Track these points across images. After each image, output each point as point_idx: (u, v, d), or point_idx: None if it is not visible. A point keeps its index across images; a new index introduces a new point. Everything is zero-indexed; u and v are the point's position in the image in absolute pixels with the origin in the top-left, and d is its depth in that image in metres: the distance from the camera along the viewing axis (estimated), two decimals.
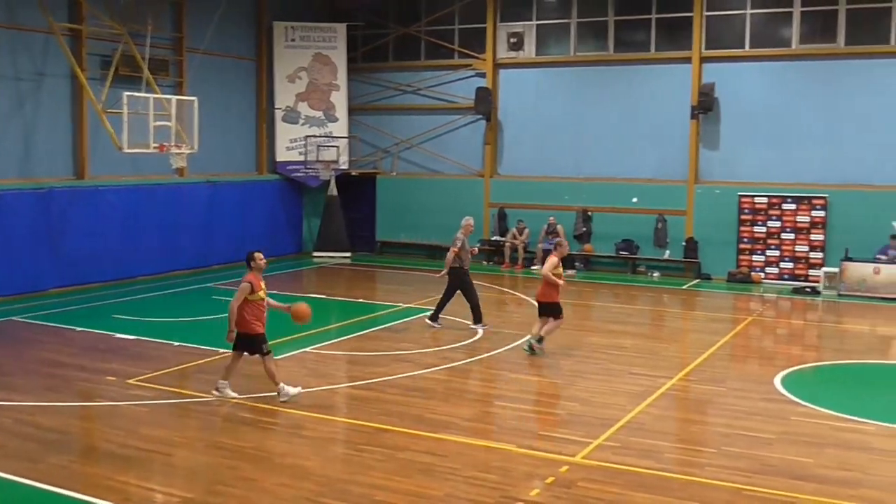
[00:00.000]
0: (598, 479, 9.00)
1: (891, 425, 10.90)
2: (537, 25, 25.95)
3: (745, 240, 23.42)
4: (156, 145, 19.41)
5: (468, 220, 16.82)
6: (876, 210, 21.75)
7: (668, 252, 24.28)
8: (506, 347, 14.97)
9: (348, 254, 26.89)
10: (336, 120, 27.74)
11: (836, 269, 21.47)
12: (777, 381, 12.99)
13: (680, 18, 24.08)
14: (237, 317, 11.33)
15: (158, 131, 19.49)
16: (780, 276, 23.02)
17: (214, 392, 11.69)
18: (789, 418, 11.18)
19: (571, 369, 13.64)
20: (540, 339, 14.48)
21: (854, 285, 21.06)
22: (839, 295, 21.06)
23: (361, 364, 13.81)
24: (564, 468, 9.24)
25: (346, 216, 27.36)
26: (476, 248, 17.24)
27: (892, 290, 20.65)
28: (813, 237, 22.66)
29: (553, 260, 14.49)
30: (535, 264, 24.60)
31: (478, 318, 16.39)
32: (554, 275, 14.33)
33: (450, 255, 16.25)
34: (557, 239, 16.18)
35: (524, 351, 14.55)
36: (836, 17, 22.46)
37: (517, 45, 26.07)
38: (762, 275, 23.19)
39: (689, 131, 23.93)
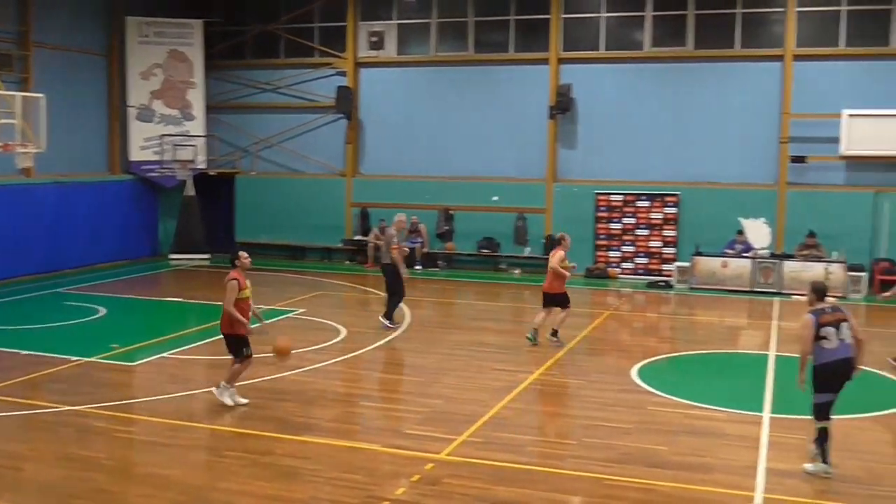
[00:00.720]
0: (463, 474, 9.06)
1: (740, 412, 11.39)
2: (398, 25, 25.99)
3: (602, 236, 24.09)
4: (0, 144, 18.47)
5: (400, 217, 16.95)
6: (724, 206, 22.75)
7: (528, 249, 24.71)
8: (369, 347, 14.92)
9: (207, 256, 26.24)
10: (193, 118, 27.05)
11: (687, 264, 22.32)
12: (634, 372, 13.39)
13: (538, 20, 24.55)
14: (225, 318, 11.13)
15: (2, 129, 18.53)
16: (635, 271, 23.78)
17: (227, 402, 11.32)
18: (646, 408, 11.55)
19: (435, 367, 13.70)
20: (555, 333, 15.19)
21: (704, 279, 21.95)
22: (691, 288, 21.92)
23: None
24: (430, 465, 9.26)
25: (204, 217, 26.70)
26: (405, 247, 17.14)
27: (739, 282, 21.63)
28: (666, 233, 23.51)
29: (560, 254, 15.19)
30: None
31: (388, 316, 16.44)
32: (562, 268, 15.08)
33: (395, 254, 16.34)
34: (559, 235, 16.08)
35: (528, 339, 15.14)
36: (685, 21, 23.36)
37: (378, 45, 26.04)
38: (618, 270, 23.90)
39: (547, 131, 24.43)
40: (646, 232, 23.71)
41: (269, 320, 16.96)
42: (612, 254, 24.07)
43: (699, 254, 22.21)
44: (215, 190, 27.38)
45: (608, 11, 24.07)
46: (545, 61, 24.38)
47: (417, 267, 24.57)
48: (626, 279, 23.62)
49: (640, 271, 23.75)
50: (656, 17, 23.66)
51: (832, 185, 22.44)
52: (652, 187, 23.63)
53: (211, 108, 27.56)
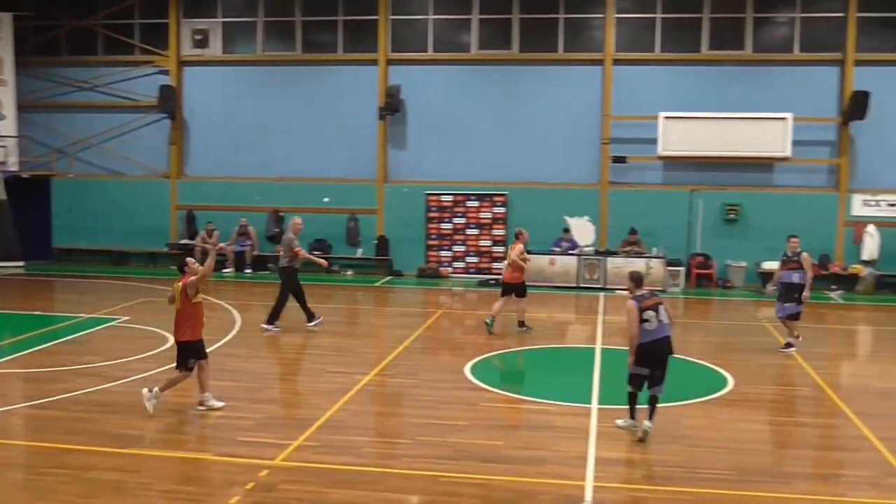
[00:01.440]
0: (299, 479, 8.92)
1: (570, 404, 11.72)
2: (223, 23, 25.39)
3: (433, 236, 24.32)
4: None
5: (296, 220, 16.74)
6: (550, 205, 23.41)
7: (360, 250, 24.66)
8: None
9: (21, 263, 24.79)
10: (3, 118, 25.53)
11: None
12: (467, 370, 13.56)
13: (366, 21, 24.53)
14: (179, 327, 11.04)
15: None
16: (466, 270, 24.13)
17: (199, 407, 11.18)
18: (479, 404, 11.70)
19: (268, 372, 13.44)
20: (522, 324, 16.52)
21: (533, 276, 22.44)
22: None
23: (41, 381, 12.76)
24: (264, 472, 9.07)
25: (17, 222, 25.23)
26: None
27: (566, 279, 22.30)
28: (495, 232, 23.97)
29: (520, 247, 16.41)
30: (227, 267, 24.06)
31: (272, 315, 16.32)
32: (521, 259, 16.30)
33: (304, 254, 16.35)
34: (518, 230, 17.18)
35: (486, 324, 16.40)
36: (510, 25, 23.89)
37: (203, 43, 25.35)
38: (450, 269, 24.20)
39: (377, 132, 24.45)
40: (476, 231, 24.10)
41: (88, 331, 16.22)
42: (443, 253, 24.35)
43: (528, 252, 22.70)
44: (29, 193, 25.92)
45: (436, 13, 24.33)
46: (374, 62, 24.40)
47: (248, 270, 24.10)
48: (457, 278, 23.93)
49: (472, 270, 24.13)
50: (483, 21, 24.09)
51: (651, 185, 23.50)
52: (481, 188, 24.05)
53: (23, 108, 26.10)
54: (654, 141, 22.78)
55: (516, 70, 23.99)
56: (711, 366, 13.99)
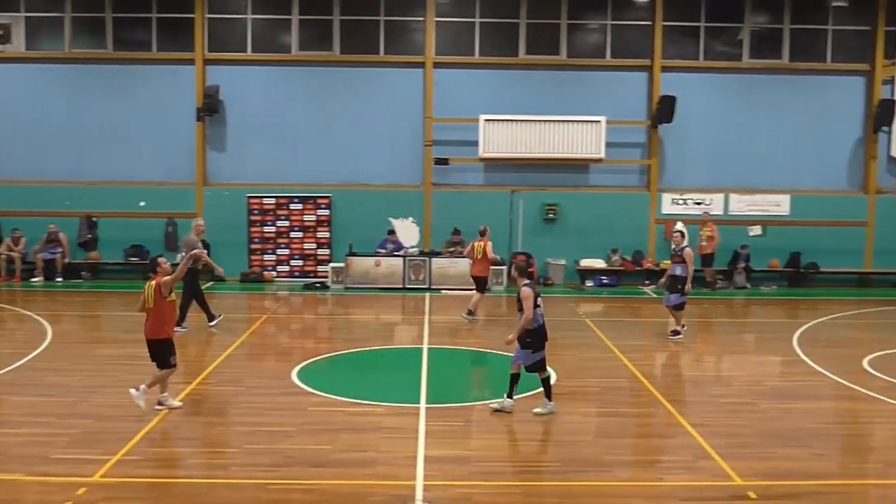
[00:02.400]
0: (120, 496, 8.52)
1: (399, 405, 11.74)
2: (26, 18, 23.99)
3: (256, 240, 23.88)
4: None
5: (199, 222, 17.24)
6: (375, 207, 23.42)
7: (180, 255, 23.83)
8: (5, 370, 13.61)
9: None
10: None
11: (342, 264, 22.72)
12: (294, 374, 13.36)
13: (181, 19, 23.77)
14: (154, 326, 11.29)
15: None
16: (291, 274, 23.82)
17: (157, 407, 11.26)
18: (307, 409, 11.55)
19: (84, 385, 12.79)
20: (471, 312, 17.64)
21: (359, 278, 22.45)
22: (346, 288, 22.33)
23: None
24: (82, 490, 8.61)
25: None
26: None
27: (392, 280, 22.38)
28: (320, 235, 23.77)
29: (490, 244, 18.36)
30: (35, 276, 22.79)
31: (211, 317, 16.99)
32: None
33: (205, 257, 16.15)
34: (482, 227, 18.71)
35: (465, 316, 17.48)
36: (331, 26, 23.74)
37: (4, 39, 23.86)
38: (274, 273, 23.81)
39: (195, 133, 23.76)
40: (300, 234, 23.82)
41: None
42: (267, 257, 23.93)
43: (353, 254, 22.69)
44: None
45: (254, 13, 23.88)
46: (191, 61, 23.69)
47: (58, 279, 22.91)
48: (282, 282, 23.58)
49: (297, 273, 23.84)
50: (303, 21, 23.83)
51: (473, 186, 23.92)
52: (304, 190, 23.78)
53: None
54: (475, 143, 23.21)
55: (338, 71, 23.86)
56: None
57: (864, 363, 14.69)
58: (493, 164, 23.73)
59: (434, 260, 22.58)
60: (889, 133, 24.12)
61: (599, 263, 23.45)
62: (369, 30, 23.74)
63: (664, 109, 23.12)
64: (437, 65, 23.66)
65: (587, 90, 23.73)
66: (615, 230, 23.49)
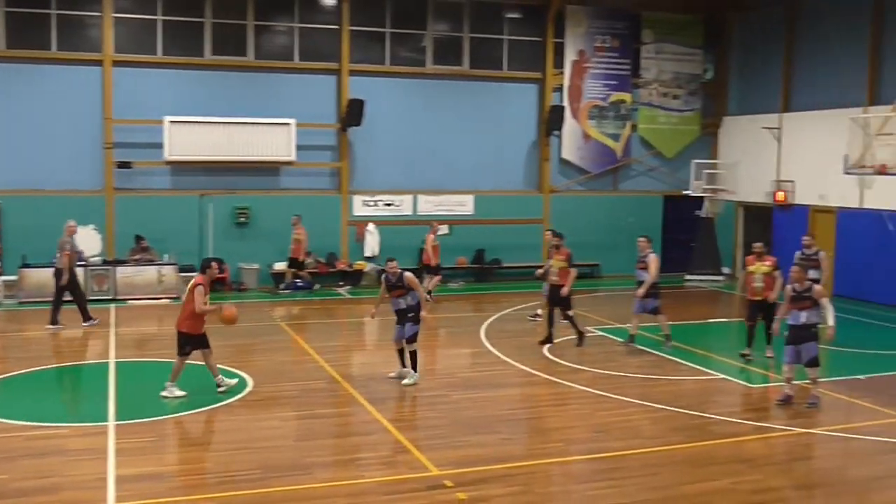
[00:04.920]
0: None
1: (85, 424, 11.01)
2: None
3: None
4: None
5: (70, 223, 17.91)
6: (52, 214, 21.67)
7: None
8: None
9: None
10: None
11: (14, 277, 20.92)
12: None
13: None
14: (182, 317, 12.38)
15: None
16: None
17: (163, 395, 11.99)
18: None
19: None
20: (430, 293, 19.30)
21: (35, 291, 20.74)
22: (20, 303, 20.59)
23: None
24: None
25: None
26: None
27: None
28: None
29: (432, 236, 20.75)
30: None
31: (87, 317, 17.75)
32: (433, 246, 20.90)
33: (65, 260, 17.27)
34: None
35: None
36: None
37: None
38: None
39: None
40: None
41: None
42: None
43: (27, 266, 20.97)
44: None
45: None
46: None
47: None
48: None
49: None
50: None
51: (159, 190, 22.94)
52: None
53: None
54: (160, 145, 22.24)
55: (7, 68, 21.92)
56: (230, 369, 14.01)
57: (545, 350, 15.74)
58: (181, 168, 22.90)
59: (119, 269, 21.38)
60: (559, 137, 26.03)
61: (299, 267, 23.30)
62: (40, 23, 22.03)
63: (353, 113, 23.46)
64: (116, 63, 22.41)
65: (277, 92, 23.54)
66: (308, 232, 23.45)
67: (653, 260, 15.99)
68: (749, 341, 15.18)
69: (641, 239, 16.45)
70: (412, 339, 13.24)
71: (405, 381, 13.27)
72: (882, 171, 18.77)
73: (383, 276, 13.64)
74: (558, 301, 16.06)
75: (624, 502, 8.89)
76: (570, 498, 9.26)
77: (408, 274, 13.28)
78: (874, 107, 21.52)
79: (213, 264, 12.94)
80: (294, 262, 22.56)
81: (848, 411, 12.43)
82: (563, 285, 15.87)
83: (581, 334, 16.16)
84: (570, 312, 16.12)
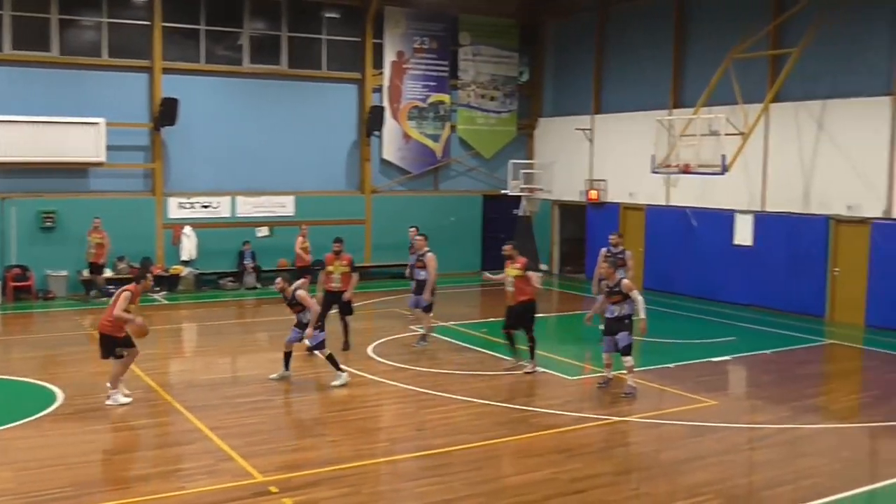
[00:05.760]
0: None
1: None
2: None
3: None
4: None
5: None
6: None
7: None
8: None
9: None
10: None
11: None
12: None
13: None
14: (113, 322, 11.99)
15: None
16: None
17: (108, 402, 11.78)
18: None
19: None
20: None
21: None
22: None
23: None
24: None
25: None
26: None
27: None
28: None
29: (301, 238, 20.79)
30: None
31: None
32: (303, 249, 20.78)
33: None
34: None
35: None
36: None
37: None
38: None
39: None
40: None
41: None
42: None
43: None
44: None
45: None
46: None
47: None
48: None
49: None
50: None
51: None
52: None
53: None
54: None
55: None
56: (38, 382, 13.26)
57: (369, 350, 15.73)
58: None
59: None
60: (380, 137, 26.08)
61: (106, 272, 22.25)
62: None
63: (167, 112, 22.66)
64: None
65: (84, 90, 22.39)
66: (122, 237, 22.40)
67: (430, 259, 16.08)
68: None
69: (419, 238, 16.32)
70: (320, 346, 13.35)
71: (334, 383, 13.24)
72: (686, 170, 19.76)
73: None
74: (342, 307, 15.83)
75: (450, 498, 8.97)
76: (399, 496, 9.28)
77: (300, 293, 13.35)
78: (678, 109, 22.73)
79: (149, 275, 12.92)
80: (95, 268, 21.40)
81: (659, 399, 13.04)
82: (345, 290, 15.73)
83: (347, 344, 15.83)
84: (349, 317, 15.94)
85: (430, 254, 16.09)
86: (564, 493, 9.09)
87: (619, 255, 16.63)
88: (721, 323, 19.37)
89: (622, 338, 13.00)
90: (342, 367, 13.54)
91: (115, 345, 12.10)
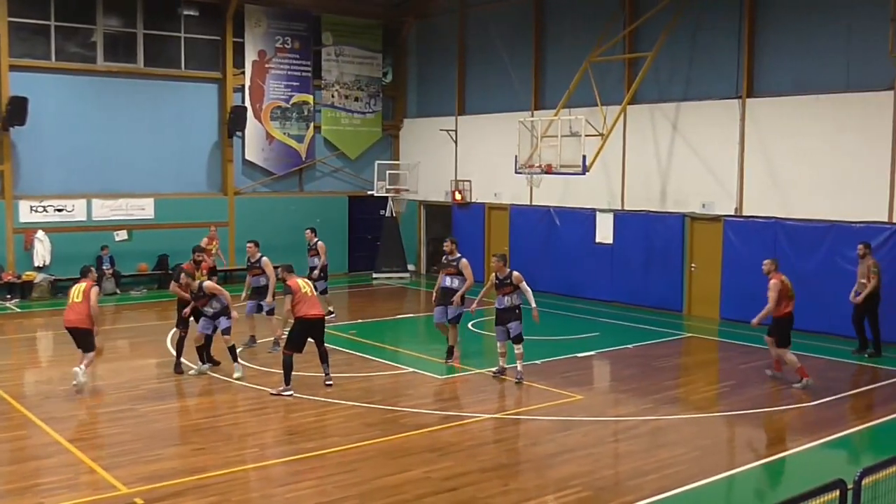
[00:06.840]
0: None
1: None
2: None
3: None
4: None
5: None
6: None
7: None
8: None
9: None
10: None
11: None
12: None
13: None
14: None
15: None
16: None
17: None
18: None
19: None
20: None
21: None
22: None
23: None
24: None
25: None
26: None
27: None
28: None
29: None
30: None
31: None
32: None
33: None
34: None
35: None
36: None
37: None
38: None
39: None
40: None
41: None
42: None
43: None
44: None
45: None
46: None
47: None
48: None
49: None
50: None
51: None
52: None
53: None
54: None
55: None
56: None
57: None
58: None
59: None
60: (242, 138, 25.59)
61: None
62: None
63: (15, 111, 21.59)
64: None
65: None
66: None
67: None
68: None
69: (250, 245, 16.56)
70: (225, 332, 13.88)
71: (235, 375, 13.80)
72: (548, 170, 20.18)
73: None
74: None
75: (324, 501, 8.89)
76: (271, 502, 9.12)
77: (207, 283, 13.97)
78: (539, 111, 23.17)
79: (92, 269, 13.57)
80: None
81: (527, 395, 13.28)
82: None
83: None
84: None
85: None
86: (437, 492, 9.14)
87: (454, 263, 15.20)
88: (585, 319, 19.88)
89: (514, 327, 13.81)
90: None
91: (89, 336, 12.92)
